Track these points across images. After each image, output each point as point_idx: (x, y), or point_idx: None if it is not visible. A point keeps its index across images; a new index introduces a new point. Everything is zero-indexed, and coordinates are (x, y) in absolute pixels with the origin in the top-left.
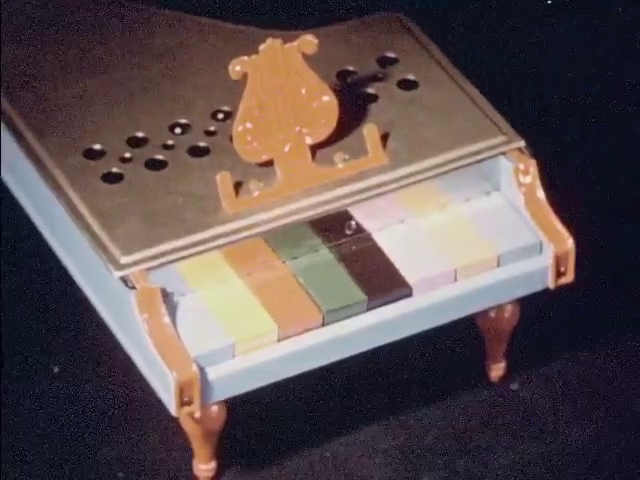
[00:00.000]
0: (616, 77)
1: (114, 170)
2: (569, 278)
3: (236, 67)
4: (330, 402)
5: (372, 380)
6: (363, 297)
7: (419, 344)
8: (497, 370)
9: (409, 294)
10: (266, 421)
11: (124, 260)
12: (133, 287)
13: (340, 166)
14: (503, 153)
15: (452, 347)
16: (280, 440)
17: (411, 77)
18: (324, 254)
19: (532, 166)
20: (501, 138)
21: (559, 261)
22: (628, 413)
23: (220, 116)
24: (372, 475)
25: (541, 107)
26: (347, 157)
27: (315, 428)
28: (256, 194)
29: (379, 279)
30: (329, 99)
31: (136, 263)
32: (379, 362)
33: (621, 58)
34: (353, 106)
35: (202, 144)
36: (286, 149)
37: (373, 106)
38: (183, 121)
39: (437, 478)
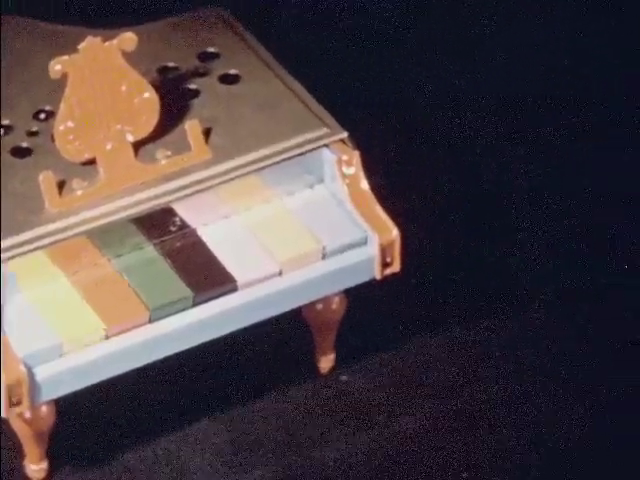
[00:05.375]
0: (432, 64)
1: None
2: (395, 268)
3: (56, 66)
4: (161, 398)
5: (201, 375)
6: (189, 293)
7: (247, 338)
8: (326, 362)
9: (235, 289)
10: (97, 420)
11: None
12: None
13: (163, 162)
14: (326, 145)
15: (280, 340)
16: (111, 438)
17: (233, 71)
18: (149, 251)
19: (355, 157)
20: (323, 130)
21: (385, 251)
22: (457, 402)
23: (42, 116)
24: (204, 470)
25: (364, 98)
26: (170, 153)
27: (146, 425)
28: (79, 193)
29: (204, 275)
30: (150, 96)
31: None
32: (208, 357)
33: (440, 42)
34: (175, 102)
35: (24, 144)
36: (108, 147)
37: (195, 101)
38: (5, 122)
39: (269, 471)
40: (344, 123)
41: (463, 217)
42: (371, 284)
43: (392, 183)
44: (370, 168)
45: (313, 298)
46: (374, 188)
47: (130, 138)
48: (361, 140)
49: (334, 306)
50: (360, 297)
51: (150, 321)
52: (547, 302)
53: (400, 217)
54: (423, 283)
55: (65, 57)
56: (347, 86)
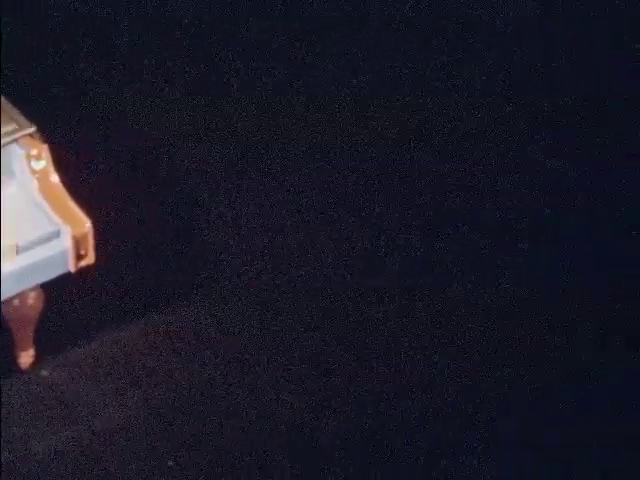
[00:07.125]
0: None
1: None
2: (90, 260)
3: None
4: None
5: None
6: None
7: None
8: (26, 357)
9: None
10: None
11: None
12: None
13: None
14: (15, 140)
15: None
16: None
17: None
18: None
19: (44, 151)
20: (11, 126)
21: (78, 244)
22: (160, 390)
23: None
24: None
25: (55, 91)
26: None
27: None
28: None
29: None
30: None
31: None
32: None
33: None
34: None
35: None
36: None
37: None
38: None
39: None
40: (34, 117)
41: (157, 204)
42: (68, 277)
43: (87, 175)
44: (64, 161)
45: (8, 294)
46: (66, 181)
47: None
48: (54, 133)
49: (31, 301)
50: (58, 291)
51: None
52: (244, 287)
53: (95, 209)
54: (119, 273)
55: None
56: (38, 80)
